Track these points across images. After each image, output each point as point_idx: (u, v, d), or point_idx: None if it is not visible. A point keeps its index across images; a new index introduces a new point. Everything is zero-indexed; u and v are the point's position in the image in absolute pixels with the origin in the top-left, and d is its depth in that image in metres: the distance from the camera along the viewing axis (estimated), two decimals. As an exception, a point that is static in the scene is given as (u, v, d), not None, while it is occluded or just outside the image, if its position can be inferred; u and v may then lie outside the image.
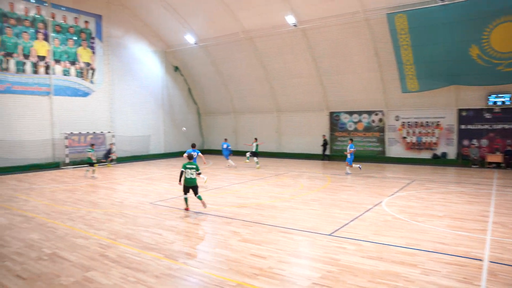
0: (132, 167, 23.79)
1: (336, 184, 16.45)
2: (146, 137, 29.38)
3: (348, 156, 19.67)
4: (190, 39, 28.87)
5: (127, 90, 28.10)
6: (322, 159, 27.22)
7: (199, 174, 11.54)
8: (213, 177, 19.14)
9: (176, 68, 32.17)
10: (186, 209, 11.47)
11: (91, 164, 19.23)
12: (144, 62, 29.63)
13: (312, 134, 28.40)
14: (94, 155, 19.65)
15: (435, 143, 24.14)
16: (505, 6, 18.78)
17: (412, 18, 20.75)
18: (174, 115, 32.09)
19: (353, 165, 19.92)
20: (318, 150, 27.92)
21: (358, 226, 9.58)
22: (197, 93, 33.66)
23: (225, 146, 23.59)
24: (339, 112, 27.40)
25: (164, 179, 18.64)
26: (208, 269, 6.82)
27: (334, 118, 27.68)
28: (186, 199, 11.52)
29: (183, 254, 7.62)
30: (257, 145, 23.74)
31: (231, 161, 23.46)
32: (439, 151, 24.03)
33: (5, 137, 21.46)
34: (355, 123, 26.80)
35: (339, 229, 9.32)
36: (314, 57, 25.61)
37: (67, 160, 23.53)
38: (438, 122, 23.98)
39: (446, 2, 19.56)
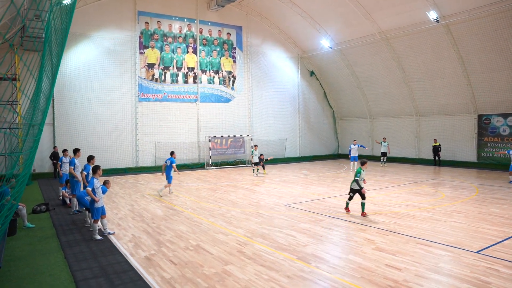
0: (267, 169, 24.83)
1: (485, 196, 14.55)
2: (283, 141, 30.38)
3: None
4: (325, 43, 28.93)
5: (265, 95, 29.58)
6: (434, 165, 25.32)
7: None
8: (348, 182, 18.76)
9: (312, 73, 32.57)
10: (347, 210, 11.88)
11: (256, 163, 21.39)
12: (281, 68, 30.77)
13: (455, 139, 25.68)
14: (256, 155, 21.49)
15: None
16: None
17: None
18: (309, 119, 32.52)
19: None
20: (463, 157, 25.18)
21: (516, 244, 8.34)
22: (332, 97, 33.50)
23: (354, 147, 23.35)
24: (490, 115, 24.16)
25: (299, 182, 18.97)
26: (340, 275, 6.71)
27: (483, 122, 24.52)
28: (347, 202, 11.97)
29: (315, 258, 7.64)
30: (386, 145, 24.24)
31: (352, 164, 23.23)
32: None
33: (163, 139, 24.67)
34: (511, 127, 23.29)
35: (489, 247, 8.23)
36: (460, 54, 23.13)
37: (210, 161, 25.80)
38: None
39: None
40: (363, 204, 11.38)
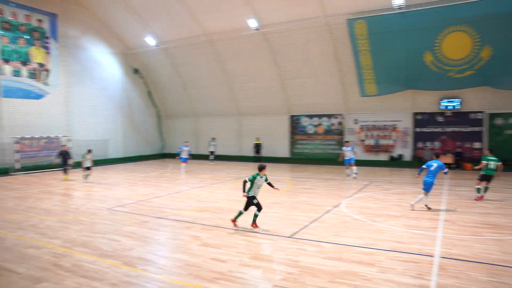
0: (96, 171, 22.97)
1: (296, 187, 16.63)
2: (105, 141, 28.54)
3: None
4: (150, 41, 28.38)
5: (85, 92, 27.19)
6: (255, 161, 27.56)
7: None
8: (174, 181, 18.86)
9: (136, 71, 31.51)
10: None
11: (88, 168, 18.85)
12: (103, 63, 28.82)
13: (273, 137, 28.65)
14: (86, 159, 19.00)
15: (392, 146, 24.98)
16: (454, 16, 19.85)
17: (371, 24, 21.43)
18: (134, 118, 31.39)
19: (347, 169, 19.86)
20: (280, 153, 28.28)
21: (318, 227, 9.71)
22: (157, 96, 33.09)
23: (185, 149, 22.94)
24: (300, 116, 27.78)
25: (122, 184, 18.15)
26: (168, 275, 6.68)
27: (294, 122, 28.03)
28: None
29: (142, 260, 7.42)
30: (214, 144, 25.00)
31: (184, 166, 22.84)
32: (395, 153, 24.87)
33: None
34: (315, 126, 27.27)
35: (299, 231, 9.41)
36: (276, 61, 25.86)
37: (18, 166, 22.36)
38: (394, 125, 24.83)
39: (403, 10, 20.34)
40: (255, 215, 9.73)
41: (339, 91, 25.35)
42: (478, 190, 13.48)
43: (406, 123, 24.52)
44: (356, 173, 19.18)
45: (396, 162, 24.63)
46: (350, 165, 19.27)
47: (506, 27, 19.21)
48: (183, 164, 22.61)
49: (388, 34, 21.50)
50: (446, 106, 23.03)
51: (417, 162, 23.89)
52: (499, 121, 22.33)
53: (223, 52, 27.24)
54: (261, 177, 9.76)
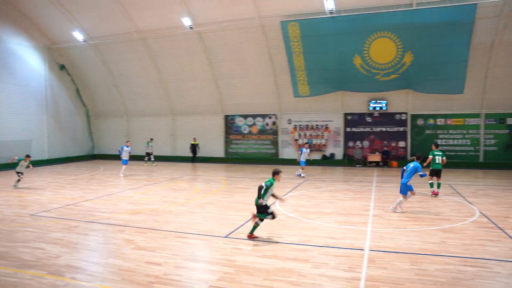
0: (8, 175, 21.24)
1: (231, 187, 16.66)
2: (27, 142, 26.48)
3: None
4: (78, 36, 26.83)
5: (2, 89, 25.03)
6: (192, 162, 27.48)
7: None
8: (105, 183, 18.04)
9: (62, 67, 29.62)
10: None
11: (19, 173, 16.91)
12: (23, 58, 26.66)
13: (207, 137, 28.42)
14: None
15: (324, 145, 25.92)
16: (380, 23, 21.10)
17: (304, 27, 22.05)
18: (60, 117, 29.47)
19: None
20: (215, 153, 28.17)
21: (255, 226, 9.79)
22: (86, 94, 31.37)
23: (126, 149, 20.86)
24: (234, 116, 27.87)
25: (48, 187, 16.98)
26: (99, 282, 6.37)
27: (229, 122, 28.07)
28: None
29: (70, 268, 6.99)
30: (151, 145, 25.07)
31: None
32: (327, 152, 25.84)
33: None
34: (250, 126, 27.52)
35: (235, 230, 9.43)
36: (210, 60, 25.69)
37: None
38: (327, 125, 25.78)
39: (334, 15, 21.17)
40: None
41: (273, 92, 25.81)
42: (431, 185, 14.30)
43: (337, 123, 25.57)
44: (302, 174, 19.68)
45: (328, 161, 25.59)
46: (302, 167, 19.65)
47: (425, 36, 20.78)
48: (124, 167, 20.73)
49: (320, 37, 22.27)
50: (374, 107, 24.38)
51: (347, 160, 25.02)
52: (419, 122, 24.09)
53: (157, 50, 26.54)
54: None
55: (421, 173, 11.23)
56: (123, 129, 31.10)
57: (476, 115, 23.13)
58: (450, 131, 23.61)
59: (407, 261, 7.19)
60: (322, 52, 22.76)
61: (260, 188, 8.51)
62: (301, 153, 19.68)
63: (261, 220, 8.72)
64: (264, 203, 8.58)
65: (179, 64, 26.63)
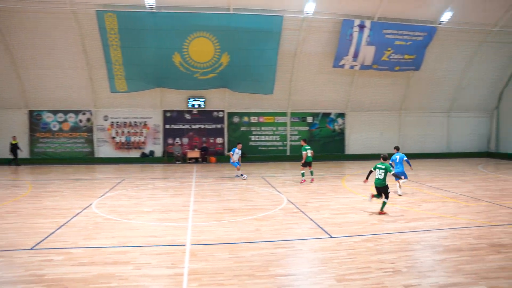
0: None
1: (38, 191, 14.74)
2: None
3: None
4: None
5: None
6: (11, 164, 23.21)
7: None
8: None
9: None
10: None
11: None
12: None
13: (5, 137, 24.07)
14: None
15: (143, 142, 25.35)
16: (198, 23, 21.74)
17: (122, 19, 20.99)
18: None
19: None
20: (19, 154, 24.33)
21: (66, 233, 8.90)
22: None
23: None
24: (42, 111, 24.64)
25: None
26: None
27: (35, 117, 24.67)
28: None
29: None
30: None
31: None
32: (147, 150, 25.38)
33: None
34: (60, 123, 24.76)
35: (44, 239, 8.37)
36: (7, 45, 21.97)
37: None
38: (145, 122, 25.27)
39: (154, 10, 20.83)
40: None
41: (87, 86, 23.80)
42: (303, 174, 16.12)
43: (156, 120, 25.33)
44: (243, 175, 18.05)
45: (147, 159, 25.15)
46: (237, 168, 18.03)
47: (241, 40, 22.39)
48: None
49: (139, 32, 21.62)
50: (193, 105, 25.06)
51: (167, 157, 25.07)
52: (235, 119, 25.94)
53: None
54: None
55: (406, 158, 13.34)
56: None
57: (284, 114, 26.39)
58: (263, 128, 26.26)
59: (226, 251, 7.65)
60: (141, 47, 22.16)
61: (370, 172, 10.92)
62: (233, 154, 18.30)
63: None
64: (386, 184, 10.59)
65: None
